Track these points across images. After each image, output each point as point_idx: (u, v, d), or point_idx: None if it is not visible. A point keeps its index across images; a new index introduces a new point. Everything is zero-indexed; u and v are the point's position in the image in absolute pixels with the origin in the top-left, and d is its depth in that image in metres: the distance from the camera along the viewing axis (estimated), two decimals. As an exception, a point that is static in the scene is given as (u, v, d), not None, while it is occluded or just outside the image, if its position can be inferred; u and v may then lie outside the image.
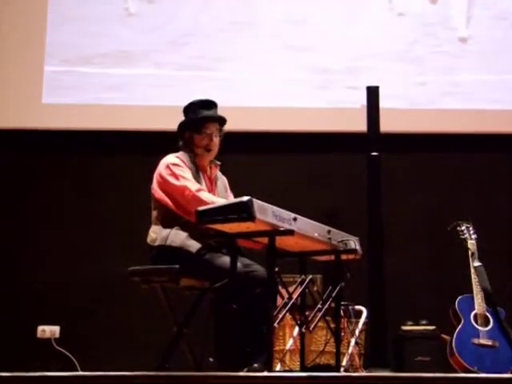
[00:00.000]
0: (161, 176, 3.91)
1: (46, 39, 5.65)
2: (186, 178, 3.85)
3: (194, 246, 3.74)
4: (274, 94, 5.63)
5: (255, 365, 3.42)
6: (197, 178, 3.92)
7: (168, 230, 3.82)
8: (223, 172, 4.18)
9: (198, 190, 3.81)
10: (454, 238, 4.91)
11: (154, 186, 3.94)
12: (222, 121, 4.03)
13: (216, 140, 3.99)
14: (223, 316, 3.55)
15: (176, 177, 3.86)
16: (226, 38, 5.69)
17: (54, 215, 5.54)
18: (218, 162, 4.08)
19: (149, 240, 3.90)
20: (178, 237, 3.78)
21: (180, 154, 3.99)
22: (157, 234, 3.86)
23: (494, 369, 4.47)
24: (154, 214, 3.93)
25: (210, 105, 4.03)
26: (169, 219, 3.85)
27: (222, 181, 4.14)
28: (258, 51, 5.69)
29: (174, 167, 3.88)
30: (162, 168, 3.92)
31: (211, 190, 3.98)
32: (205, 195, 3.79)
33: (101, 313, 5.33)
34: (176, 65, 5.68)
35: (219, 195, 4.00)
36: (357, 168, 5.22)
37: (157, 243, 3.84)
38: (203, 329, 3.61)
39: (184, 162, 3.93)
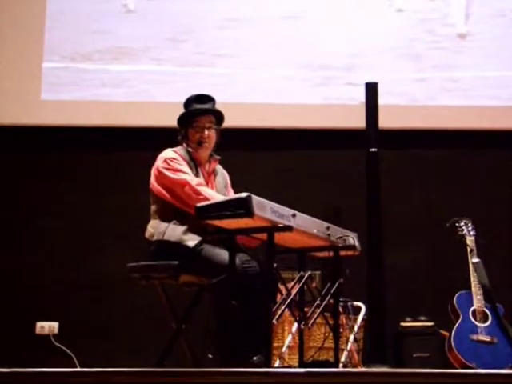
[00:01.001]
0: (158, 170, 3.91)
1: (44, 36, 5.64)
2: (184, 172, 3.86)
3: (191, 240, 3.74)
4: (272, 90, 5.63)
5: (254, 358, 3.42)
6: (194, 172, 3.92)
7: (165, 225, 3.82)
8: (223, 168, 4.17)
9: (199, 185, 3.81)
10: (452, 235, 4.91)
11: (152, 180, 3.95)
12: (216, 114, 4.03)
13: (209, 133, 3.97)
14: (222, 312, 3.55)
15: (174, 171, 3.87)
16: (225, 34, 5.69)
17: (52, 211, 5.53)
18: (218, 157, 4.08)
19: (147, 235, 3.90)
20: (175, 231, 3.78)
21: (178, 148, 4.00)
22: (154, 228, 3.87)
23: (492, 365, 4.47)
24: (153, 208, 3.94)
25: (203, 99, 4.03)
26: (167, 213, 3.85)
27: (223, 176, 4.14)
28: (258, 48, 5.69)
29: (171, 161, 3.89)
30: (159, 162, 3.93)
31: (209, 184, 3.98)
32: (205, 190, 3.80)
33: (99, 309, 5.33)
34: (175, 61, 5.67)
35: (217, 190, 3.99)
36: (356, 164, 5.22)
37: (154, 238, 3.84)
38: (202, 325, 3.61)
39: (181, 156, 3.93)
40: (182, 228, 3.77)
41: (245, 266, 3.67)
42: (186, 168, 3.89)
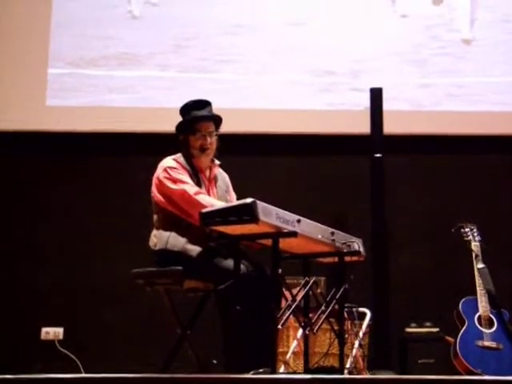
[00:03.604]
0: (159, 179, 3.90)
1: (50, 42, 5.66)
2: (183, 182, 3.84)
3: (194, 250, 3.74)
4: (277, 96, 5.64)
5: (260, 370, 3.41)
6: (195, 180, 3.90)
7: (168, 234, 3.82)
8: (227, 174, 4.17)
9: (197, 193, 3.79)
10: (457, 240, 4.90)
11: (153, 189, 3.94)
12: (216, 120, 4.00)
13: (211, 139, 3.96)
14: (228, 318, 3.55)
15: (174, 181, 3.85)
16: (229, 40, 5.70)
17: (57, 217, 5.55)
18: (218, 162, 4.07)
19: (151, 244, 3.91)
20: (178, 240, 3.78)
21: (178, 156, 3.97)
22: (157, 238, 3.87)
23: (497, 371, 4.46)
24: (155, 217, 3.93)
25: (202, 104, 4.00)
26: (168, 222, 3.85)
27: (224, 180, 4.11)
28: (262, 54, 5.70)
29: (171, 170, 3.87)
30: (159, 171, 3.92)
31: (210, 191, 3.97)
32: (204, 198, 3.77)
33: (104, 315, 5.33)
34: (180, 67, 5.68)
35: (219, 195, 3.99)
36: (360, 170, 5.22)
37: (158, 247, 3.85)
38: (207, 331, 3.61)
39: (181, 165, 3.91)
40: (184, 239, 3.77)
41: (250, 269, 3.67)
42: (185, 177, 3.87)
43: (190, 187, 3.82)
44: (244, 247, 3.74)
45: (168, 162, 3.94)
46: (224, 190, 4.07)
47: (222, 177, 4.12)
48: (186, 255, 3.74)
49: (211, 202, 3.75)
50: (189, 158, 3.96)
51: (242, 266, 3.56)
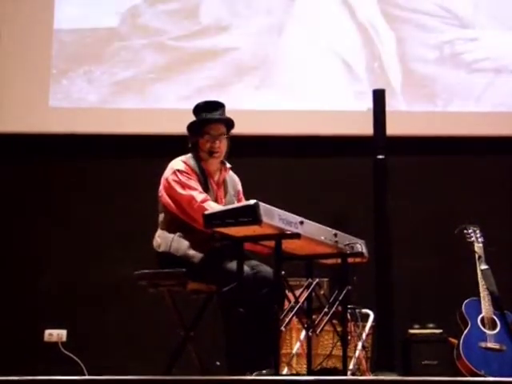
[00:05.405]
0: (167, 181, 3.88)
1: (52, 42, 5.66)
2: (192, 188, 3.81)
3: (196, 257, 3.74)
4: (279, 97, 5.63)
5: (264, 371, 3.41)
6: (203, 184, 3.88)
7: (171, 236, 3.81)
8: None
9: (204, 201, 3.77)
10: (460, 242, 4.90)
11: (161, 190, 3.92)
12: (227, 122, 3.98)
13: (220, 143, 3.92)
14: (232, 320, 3.55)
15: (182, 185, 3.83)
16: (232, 41, 5.69)
17: (60, 219, 5.54)
18: (229, 165, 4.05)
19: (154, 244, 3.90)
20: (181, 244, 3.78)
21: (187, 157, 3.95)
22: (161, 239, 3.86)
23: (501, 372, 4.46)
24: (161, 217, 3.92)
25: (213, 106, 3.96)
26: (174, 224, 3.84)
27: (233, 184, 4.08)
28: (264, 55, 5.69)
29: (180, 174, 3.85)
30: (168, 173, 3.90)
31: (218, 196, 3.96)
32: (210, 206, 3.74)
33: (108, 317, 5.34)
34: (184, 68, 5.67)
35: (227, 199, 3.97)
36: (363, 171, 5.21)
37: (161, 249, 3.84)
38: (210, 332, 3.61)
39: (190, 168, 3.89)
40: (187, 243, 3.77)
41: (254, 271, 3.67)
42: (194, 183, 3.84)
43: (198, 194, 3.80)
44: (249, 252, 3.75)
45: (178, 164, 3.91)
46: (232, 194, 4.04)
47: (232, 180, 4.08)
48: (189, 261, 3.74)
49: (217, 209, 3.74)
50: (198, 160, 3.93)
51: (245, 268, 3.56)
